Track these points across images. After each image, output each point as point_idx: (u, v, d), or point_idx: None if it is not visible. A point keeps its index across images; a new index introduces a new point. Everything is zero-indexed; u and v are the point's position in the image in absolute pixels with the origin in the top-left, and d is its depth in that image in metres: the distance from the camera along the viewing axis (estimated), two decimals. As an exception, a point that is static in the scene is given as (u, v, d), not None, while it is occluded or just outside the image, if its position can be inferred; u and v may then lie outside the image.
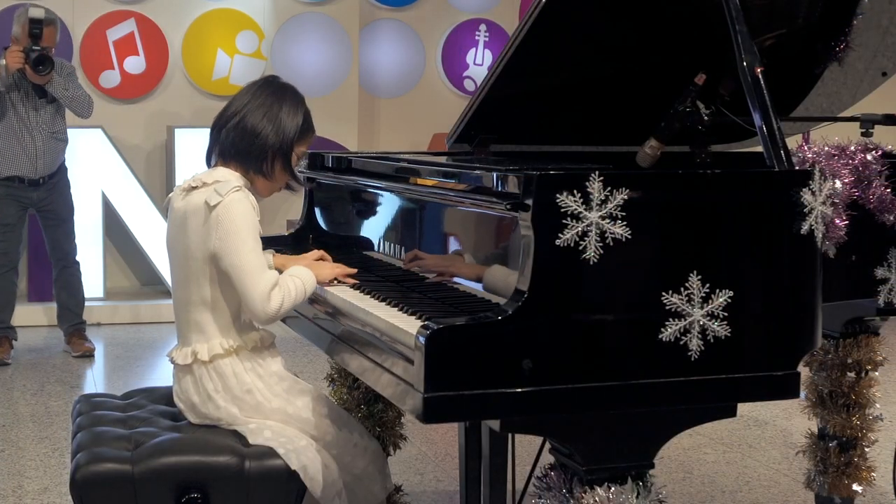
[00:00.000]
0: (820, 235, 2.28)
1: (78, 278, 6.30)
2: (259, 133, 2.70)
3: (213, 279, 2.66)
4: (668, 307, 2.12)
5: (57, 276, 6.27)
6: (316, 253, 2.90)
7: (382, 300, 2.52)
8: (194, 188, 2.70)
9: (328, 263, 2.82)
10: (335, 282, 2.76)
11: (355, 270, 2.77)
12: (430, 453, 4.46)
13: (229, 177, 2.69)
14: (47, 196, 6.10)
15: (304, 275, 2.67)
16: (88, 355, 6.15)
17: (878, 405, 3.44)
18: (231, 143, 2.72)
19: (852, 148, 2.75)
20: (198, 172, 2.77)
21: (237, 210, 2.60)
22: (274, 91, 2.75)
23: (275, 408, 2.70)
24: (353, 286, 2.73)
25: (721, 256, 2.19)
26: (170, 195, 2.80)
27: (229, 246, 2.58)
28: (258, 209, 2.68)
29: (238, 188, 2.64)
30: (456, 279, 2.50)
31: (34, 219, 6.33)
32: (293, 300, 2.62)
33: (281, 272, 2.72)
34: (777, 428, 4.89)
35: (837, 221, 2.43)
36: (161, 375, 5.72)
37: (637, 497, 2.17)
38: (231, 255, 2.58)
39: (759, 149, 2.43)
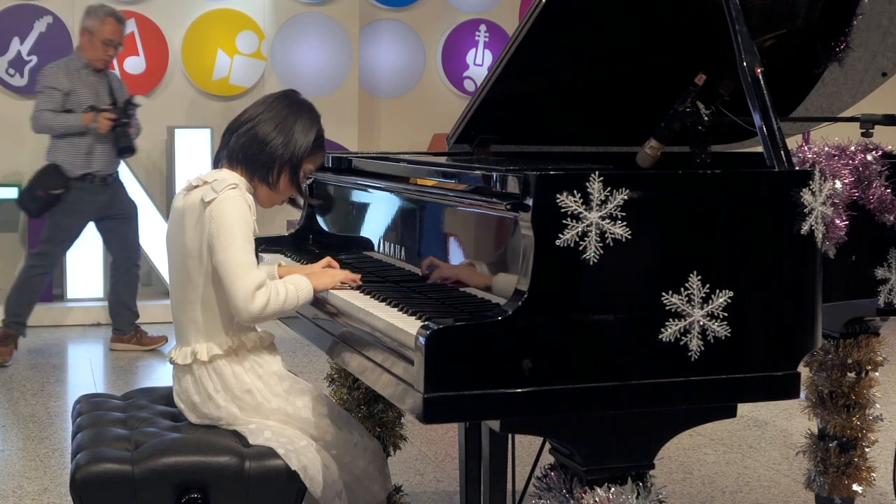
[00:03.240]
0: (820, 236, 2.28)
1: (138, 278, 6.43)
2: (269, 143, 2.70)
3: (209, 278, 2.65)
4: (668, 307, 2.12)
5: (122, 276, 6.28)
6: (324, 261, 2.87)
7: (382, 300, 2.52)
8: (195, 187, 2.70)
9: (331, 271, 2.79)
10: (339, 284, 2.74)
11: (359, 276, 2.74)
12: (430, 453, 4.46)
13: (228, 176, 2.69)
14: (115, 195, 6.15)
15: (299, 282, 2.66)
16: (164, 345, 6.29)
17: (878, 405, 3.44)
18: (240, 148, 2.72)
19: (852, 148, 2.75)
20: (202, 173, 2.76)
21: (230, 207, 2.60)
22: (291, 104, 2.76)
23: (275, 408, 2.70)
24: (353, 286, 2.72)
25: (721, 257, 2.19)
26: (175, 196, 2.80)
27: (219, 242, 2.58)
28: (254, 208, 2.68)
29: (234, 186, 2.64)
30: (456, 279, 2.50)
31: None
32: (280, 304, 2.59)
33: None
34: (777, 428, 4.89)
35: (837, 222, 2.43)
36: (161, 375, 5.72)
37: (637, 497, 2.17)
38: (219, 252, 2.58)
39: (759, 149, 2.43)
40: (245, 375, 2.69)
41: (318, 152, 2.79)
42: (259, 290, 2.56)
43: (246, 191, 2.69)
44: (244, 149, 2.71)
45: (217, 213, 2.60)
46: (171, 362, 2.77)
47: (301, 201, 2.85)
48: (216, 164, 2.81)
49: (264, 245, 3.33)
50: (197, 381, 2.70)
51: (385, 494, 2.85)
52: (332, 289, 2.71)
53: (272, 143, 2.70)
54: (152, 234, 7.18)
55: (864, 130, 3.18)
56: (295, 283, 2.64)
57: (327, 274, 2.75)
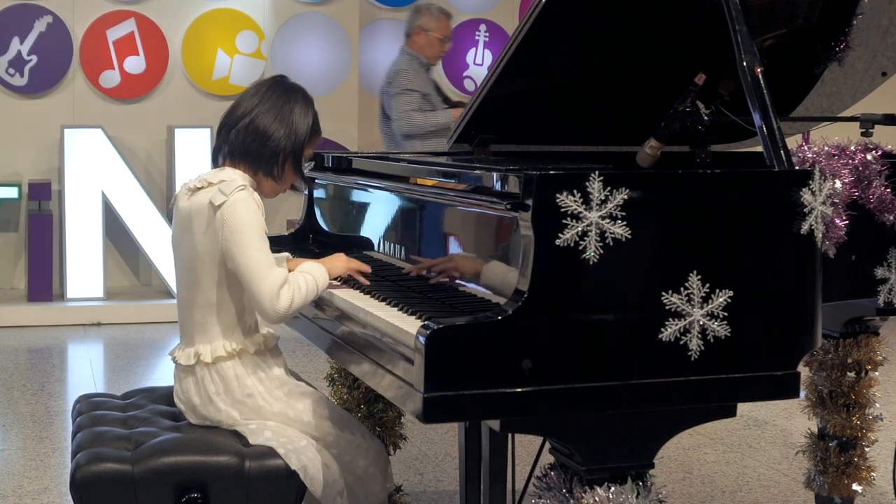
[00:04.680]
0: (820, 235, 2.29)
1: None
2: (271, 135, 2.68)
3: (218, 281, 2.65)
4: (668, 307, 2.12)
5: None
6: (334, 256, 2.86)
7: (382, 300, 2.52)
8: (199, 188, 2.68)
9: (342, 257, 2.77)
10: (346, 277, 2.73)
11: (369, 269, 2.74)
12: (430, 453, 4.46)
13: (235, 176, 2.67)
14: None
15: (315, 270, 2.65)
16: None
17: (878, 405, 3.44)
18: (241, 144, 2.70)
19: (852, 148, 2.75)
20: (203, 172, 2.75)
21: (242, 209, 2.59)
22: (284, 92, 2.74)
23: (276, 411, 2.70)
24: (353, 286, 2.72)
25: (721, 256, 2.19)
26: (176, 194, 2.79)
27: (236, 246, 2.57)
28: (263, 207, 2.67)
29: (243, 187, 2.63)
30: (456, 279, 2.50)
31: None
32: (304, 297, 2.59)
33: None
34: (777, 428, 4.89)
35: (837, 221, 2.43)
36: (161, 375, 5.72)
37: (637, 497, 2.17)
38: (237, 255, 2.57)
39: (759, 149, 2.43)
40: (247, 379, 2.69)
41: (316, 135, 2.78)
42: (283, 289, 2.55)
43: (252, 189, 2.68)
44: (246, 145, 2.70)
45: (230, 217, 2.58)
46: (174, 361, 2.76)
47: (302, 186, 2.84)
48: (215, 162, 2.79)
49: (271, 246, 3.32)
50: (199, 382, 2.70)
51: (386, 494, 2.85)
52: (332, 288, 2.71)
53: (274, 136, 2.69)
54: (152, 234, 7.20)
55: (864, 130, 3.19)
56: (312, 273, 2.63)
57: (339, 259, 2.74)
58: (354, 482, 2.76)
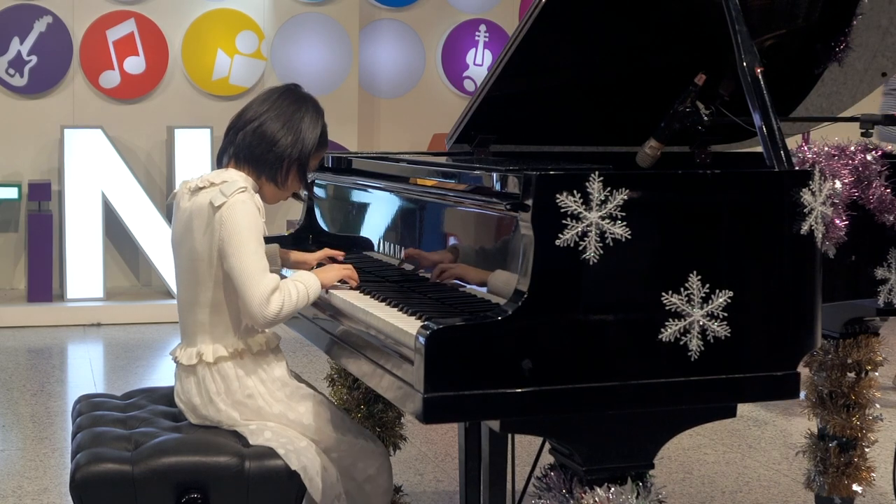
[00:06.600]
0: (820, 236, 2.29)
1: None
2: (277, 141, 2.68)
3: (218, 281, 2.64)
4: (668, 307, 2.12)
5: None
6: (322, 252, 2.87)
7: (382, 300, 2.52)
8: (201, 188, 2.68)
9: (333, 266, 2.79)
10: (341, 283, 2.74)
11: (357, 279, 2.74)
12: (430, 453, 4.46)
13: (237, 178, 2.67)
14: None
15: (308, 280, 2.65)
16: None
17: (878, 405, 3.44)
18: (247, 147, 2.70)
19: (852, 148, 2.75)
20: (206, 172, 2.75)
21: (241, 211, 2.59)
22: (295, 100, 2.73)
23: (276, 413, 2.69)
24: (353, 286, 2.72)
25: (721, 256, 2.19)
26: (174, 192, 2.78)
27: (231, 247, 2.57)
28: (263, 211, 2.67)
29: (243, 189, 2.62)
30: (456, 279, 2.50)
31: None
32: (294, 304, 2.59)
33: (286, 264, 2.72)
34: (777, 428, 4.89)
35: (837, 222, 2.43)
36: (161, 375, 5.72)
37: (637, 497, 2.17)
38: (231, 257, 2.57)
39: (759, 149, 2.43)
40: (248, 379, 2.69)
41: (323, 147, 2.78)
42: (273, 295, 2.55)
43: (254, 191, 2.68)
44: (251, 148, 2.69)
45: (227, 218, 2.58)
46: (175, 361, 2.76)
47: (304, 195, 2.85)
48: (220, 162, 2.79)
49: (266, 241, 3.32)
50: (200, 382, 2.69)
51: (388, 498, 2.85)
52: (332, 288, 2.71)
53: (280, 143, 2.68)
54: (152, 234, 7.20)
55: (863, 130, 3.19)
56: (304, 282, 2.63)
57: (331, 269, 2.75)
58: (355, 486, 2.75)
